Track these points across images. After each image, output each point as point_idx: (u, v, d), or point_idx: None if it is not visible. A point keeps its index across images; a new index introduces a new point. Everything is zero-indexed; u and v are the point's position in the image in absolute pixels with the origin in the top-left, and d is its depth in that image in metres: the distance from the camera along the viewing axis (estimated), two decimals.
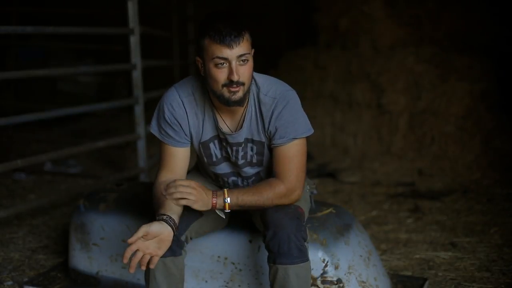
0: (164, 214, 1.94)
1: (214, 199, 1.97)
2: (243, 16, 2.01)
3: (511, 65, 5.38)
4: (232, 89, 1.93)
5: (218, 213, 2.03)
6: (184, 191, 1.92)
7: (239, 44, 1.90)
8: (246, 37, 1.93)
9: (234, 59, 1.90)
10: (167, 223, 1.91)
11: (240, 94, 1.95)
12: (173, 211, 1.96)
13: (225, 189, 2.01)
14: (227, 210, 2.00)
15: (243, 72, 1.94)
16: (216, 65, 1.92)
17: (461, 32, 5.66)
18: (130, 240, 1.87)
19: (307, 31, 6.55)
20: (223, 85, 1.94)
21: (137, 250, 1.88)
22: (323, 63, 5.92)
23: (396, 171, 5.08)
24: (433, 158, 5.14)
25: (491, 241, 3.39)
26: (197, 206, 1.95)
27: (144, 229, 1.88)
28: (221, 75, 1.93)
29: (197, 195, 1.94)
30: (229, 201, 1.98)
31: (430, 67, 5.42)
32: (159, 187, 2.06)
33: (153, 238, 1.89)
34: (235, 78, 1.91)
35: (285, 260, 1.95)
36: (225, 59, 1.90)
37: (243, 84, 1.94)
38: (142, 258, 1.89)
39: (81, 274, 2.70)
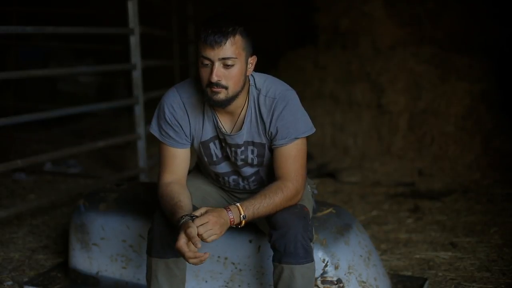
0: (187, 215, 1.89)
1: (230, 214, 1.90)
2: (246, 20, 1.95)
3: (511, 65, 5.38)
4: (214, 90, 1.93)
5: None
6: (211, 228, 1.83)
7: (221, 46, 1.88)
8: (234, 41, 1.90)
9: (216, 60, 1.90)
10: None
11: (221, 96, 1.94)
12: (190, 209, 1.96)
13: (238, 204, 1.94)
14: (242, 226, 1.95)
15: (227, 76, 1.92)
16: (202, 64, 1.93)
17: (461, 32, 5.66)
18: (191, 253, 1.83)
19: (307, 31, 6.55)
20: (207, 85, 1.94)
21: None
22: (323, 63, 5.91)
23: (396, 171, 5.07)
24: (433, 158, 5.14)
25: (491, 241, 3.39)
26: (224, 231, 1.89)
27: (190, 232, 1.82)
28: (204, 74, 1.93)
29: (217, 225, 1.85)
30: (245, 218, 1.92)
31: (430, 67, 5.42)
32: (165, 189, 2.05)
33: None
34: (213, 79, 1.90)
35: (291, 260, 1.94)
36: (208, 59, 1.90)
37: (225, 87, 1.93)
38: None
39: (81, 274, 2.70)
